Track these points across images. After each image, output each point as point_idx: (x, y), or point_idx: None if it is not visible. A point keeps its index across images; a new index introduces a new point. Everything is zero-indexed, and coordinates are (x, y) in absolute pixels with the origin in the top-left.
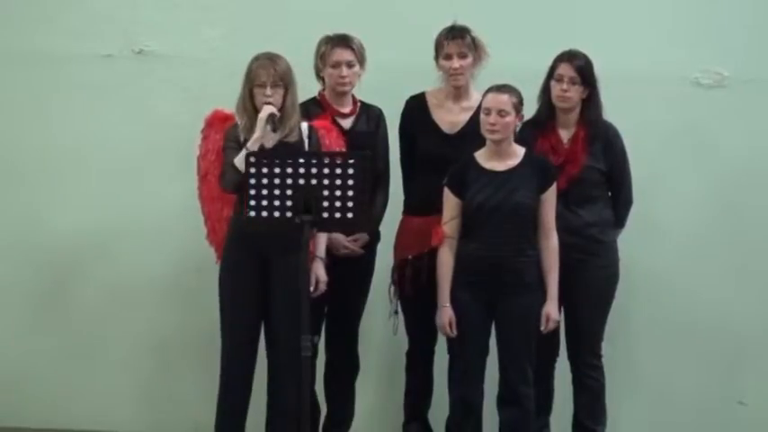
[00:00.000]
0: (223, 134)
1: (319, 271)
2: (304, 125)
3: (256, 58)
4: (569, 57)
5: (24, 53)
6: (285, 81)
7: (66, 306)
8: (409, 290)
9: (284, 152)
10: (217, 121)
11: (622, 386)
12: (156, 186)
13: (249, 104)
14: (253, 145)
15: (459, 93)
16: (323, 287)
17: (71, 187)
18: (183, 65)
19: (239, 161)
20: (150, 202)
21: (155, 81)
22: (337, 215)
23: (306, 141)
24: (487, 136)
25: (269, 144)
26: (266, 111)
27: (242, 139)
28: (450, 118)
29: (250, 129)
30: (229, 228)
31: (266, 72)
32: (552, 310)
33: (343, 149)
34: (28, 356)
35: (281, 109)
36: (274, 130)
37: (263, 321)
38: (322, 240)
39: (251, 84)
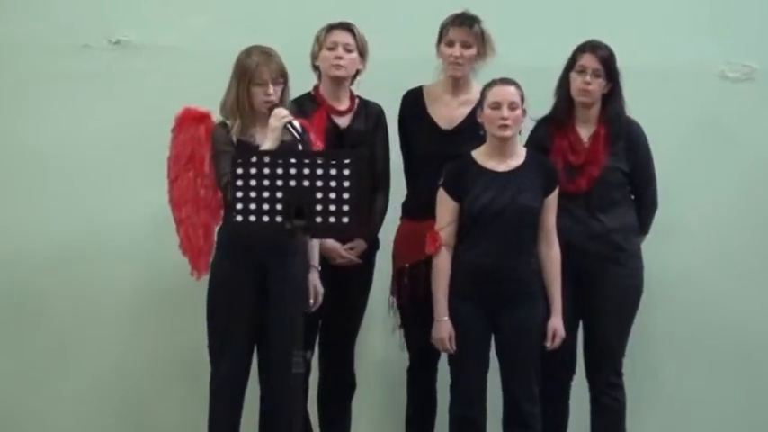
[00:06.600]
0: (203, 136)
1: (317, 282)
2: (296, 124)
3: (250, 54)
4: (592, 47)
5: None
6: (285, 76)
7: (27, 325)
8: (406, 300)
9: (276, 151)
10: (189, 120)
11: (643, 405)
12: (133, 189)
13: (247, 104)
14: None
15: (458, 85)
16: (321, 299)
17: (39, 190)
18: (164, 56)
19: None
20: (128, 206)
21: (133, 74)
22: (332, 220)
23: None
24: (499, 133)
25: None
26: (280, 117)
27: (235, 140)
28: (447, 113)
29: (245, 130)
30: (219, 236)
31: (267, 69)
32: (559, 325)
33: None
34: None
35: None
36: (300, 137)
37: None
38: (316, 248)
39: (249, 82)
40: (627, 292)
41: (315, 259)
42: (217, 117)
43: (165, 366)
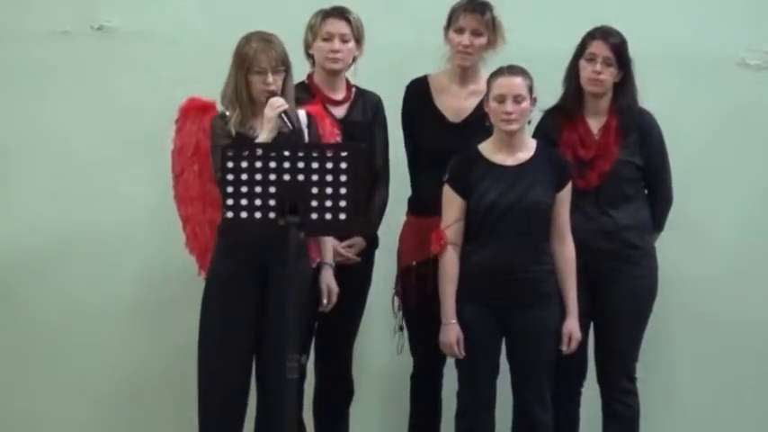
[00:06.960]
0: (207, 127)
1: (330, 280)
2: (302, 113)
3: (250, 40)
4: (603, 33)
5: None
6: (286, 64)
7: (14, 328)
8: (412, 301)
9: (269, 143)
10: (193, 111)
11: (658, 413)
12: (121, 185)
13: (245, 94)
14: None
15: (466, 74)
16: (335, 299)
17: (19, 188)
18: (150, 43)
19: None
20: (115, 204)
21: (118, 62)
22: (328, 216)
23: (305, 131)
24: (503, 127)
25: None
26: (275, 107)
27: (233, 133)
28: (455, 104)
29: (244, 121)
30: (218, 234)
31: (267, 56)
32: (575, 327)
33: (338, 140)
34: None
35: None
36: (293, 128)
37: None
38: (328, 245)
39: (247, 70)
40: (641, 292)
41: (328, 256)
42: (221, 107)
43: (165, 366)
